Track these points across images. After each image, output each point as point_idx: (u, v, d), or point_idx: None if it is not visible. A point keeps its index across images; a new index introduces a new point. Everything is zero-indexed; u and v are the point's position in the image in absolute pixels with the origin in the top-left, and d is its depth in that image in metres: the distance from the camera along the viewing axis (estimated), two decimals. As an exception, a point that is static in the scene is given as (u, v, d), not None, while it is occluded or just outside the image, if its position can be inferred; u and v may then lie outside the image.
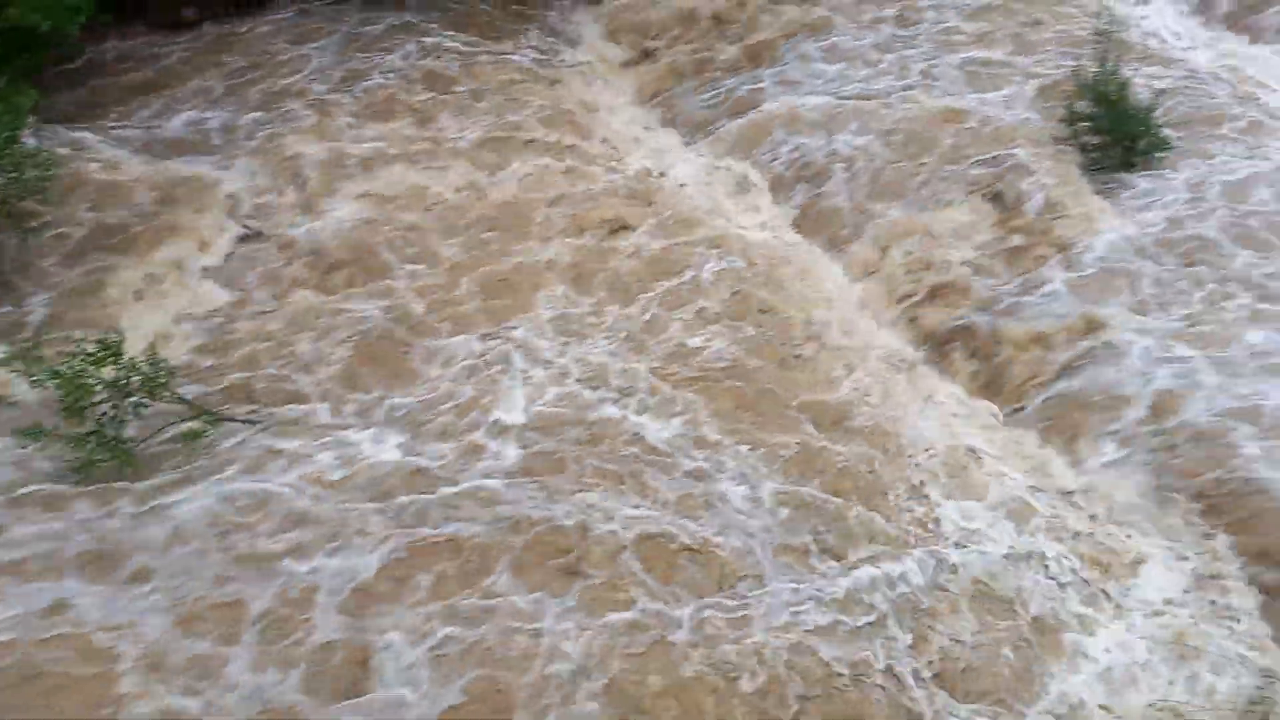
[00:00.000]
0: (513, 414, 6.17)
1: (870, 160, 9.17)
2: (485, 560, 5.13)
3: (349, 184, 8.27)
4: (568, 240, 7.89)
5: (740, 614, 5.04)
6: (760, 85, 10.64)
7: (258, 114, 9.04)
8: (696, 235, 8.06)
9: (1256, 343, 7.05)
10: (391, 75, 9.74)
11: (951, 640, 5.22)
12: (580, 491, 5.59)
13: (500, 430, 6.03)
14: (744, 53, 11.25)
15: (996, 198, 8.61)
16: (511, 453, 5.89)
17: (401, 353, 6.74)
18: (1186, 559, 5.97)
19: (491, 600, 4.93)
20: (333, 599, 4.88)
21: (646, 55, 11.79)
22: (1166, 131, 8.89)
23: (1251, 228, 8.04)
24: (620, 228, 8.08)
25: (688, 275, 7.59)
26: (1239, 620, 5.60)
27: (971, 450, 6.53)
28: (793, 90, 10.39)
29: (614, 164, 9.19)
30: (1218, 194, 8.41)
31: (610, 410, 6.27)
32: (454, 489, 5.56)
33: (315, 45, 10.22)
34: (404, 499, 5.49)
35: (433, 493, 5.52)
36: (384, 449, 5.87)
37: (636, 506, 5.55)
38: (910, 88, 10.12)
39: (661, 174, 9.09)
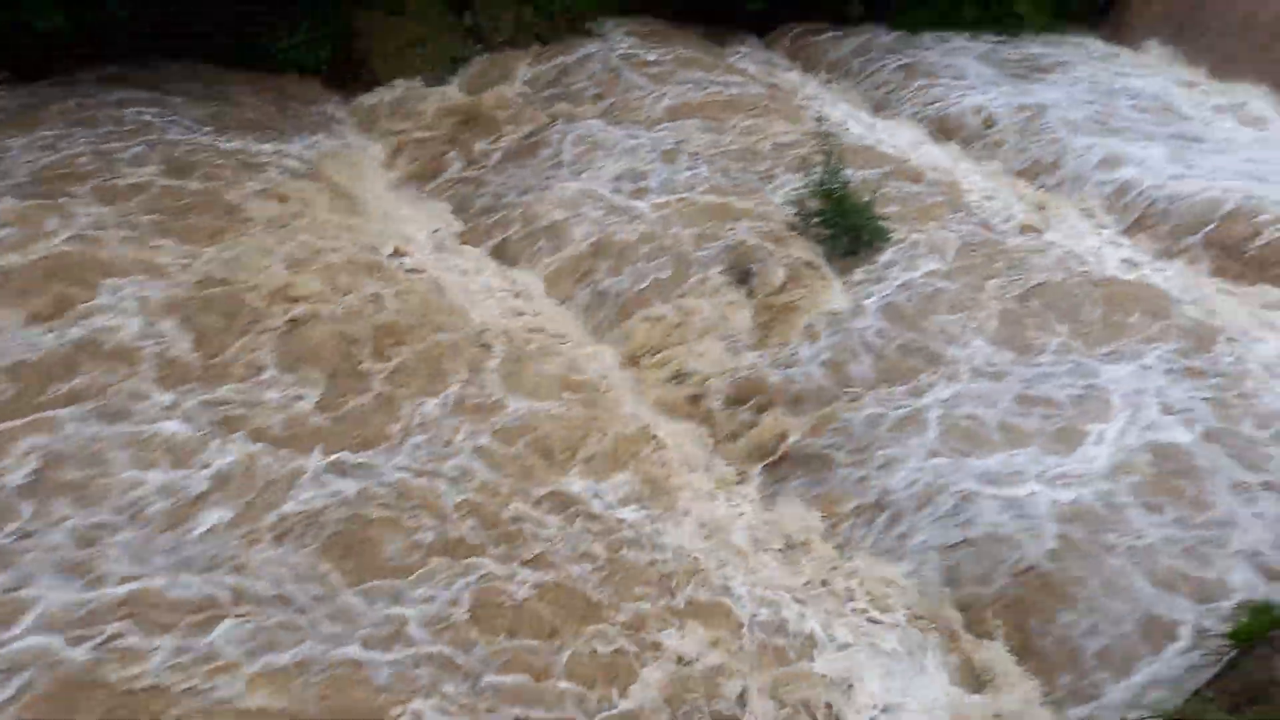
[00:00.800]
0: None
1: (635, 249, 9.80)
2: None
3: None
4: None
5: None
6: (527, 178, 11.13)
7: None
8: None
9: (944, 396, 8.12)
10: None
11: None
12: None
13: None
14: (514, 145, 11.80)
15: (745, 280, 9.47)
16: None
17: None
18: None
19: None
20: None
21: (412, 147, 12.10)
22: (882, 224, 10.08)
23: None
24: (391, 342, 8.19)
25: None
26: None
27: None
28: (561, 181, 10.98)
29: (378, 254, 9.36)
30: (925, 276, 9.63)
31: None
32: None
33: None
34: None
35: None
36: None
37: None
38: (668, 184, 10.95)
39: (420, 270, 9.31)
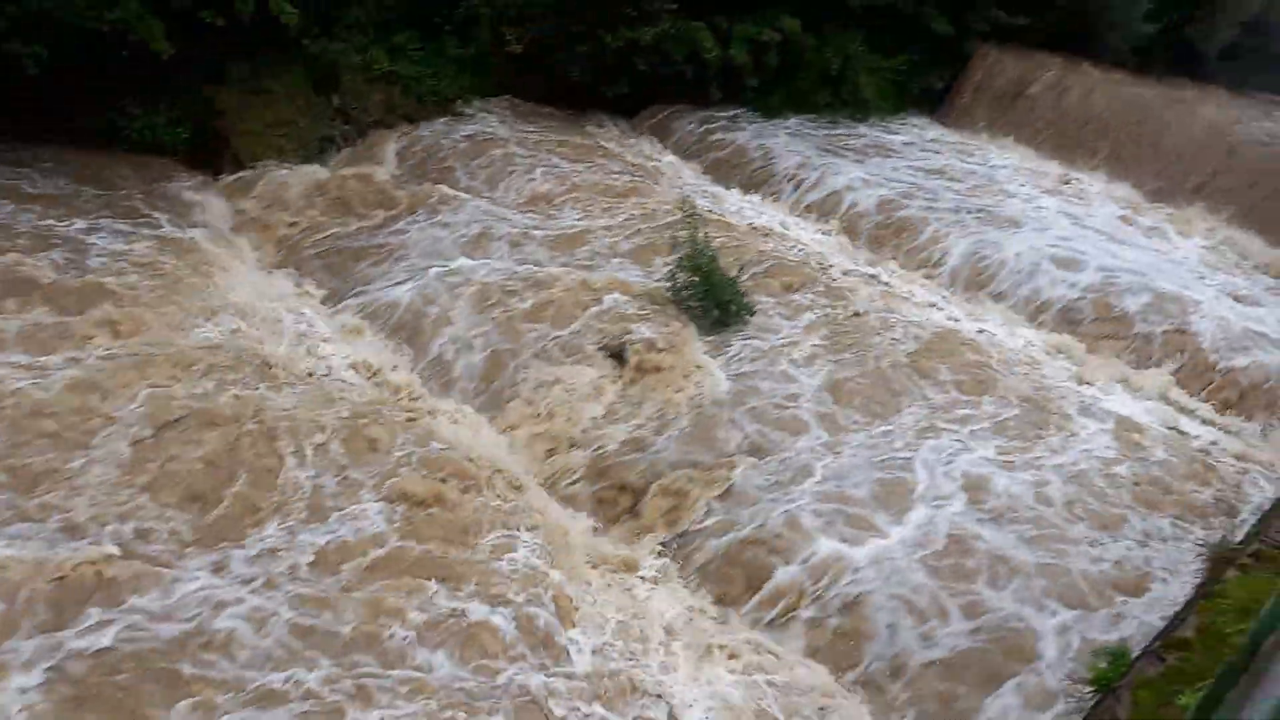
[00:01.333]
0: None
1: (510, 328, 9.81)
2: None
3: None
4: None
5: None
6: (393, 258, 11.06)
7: None
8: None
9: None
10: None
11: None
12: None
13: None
14: (381, 224, 11.70)
15: (619, 355, 9.59)
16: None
17: None
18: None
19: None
20: None
21: (275, 228, 11.86)
22: (749, 296, 10.43)
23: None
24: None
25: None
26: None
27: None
28: (427, 259, 10.93)
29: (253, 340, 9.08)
30: (791, 344, 10.00)
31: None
32: None
33: None
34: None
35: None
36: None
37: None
38: (538, 262, 11.06)
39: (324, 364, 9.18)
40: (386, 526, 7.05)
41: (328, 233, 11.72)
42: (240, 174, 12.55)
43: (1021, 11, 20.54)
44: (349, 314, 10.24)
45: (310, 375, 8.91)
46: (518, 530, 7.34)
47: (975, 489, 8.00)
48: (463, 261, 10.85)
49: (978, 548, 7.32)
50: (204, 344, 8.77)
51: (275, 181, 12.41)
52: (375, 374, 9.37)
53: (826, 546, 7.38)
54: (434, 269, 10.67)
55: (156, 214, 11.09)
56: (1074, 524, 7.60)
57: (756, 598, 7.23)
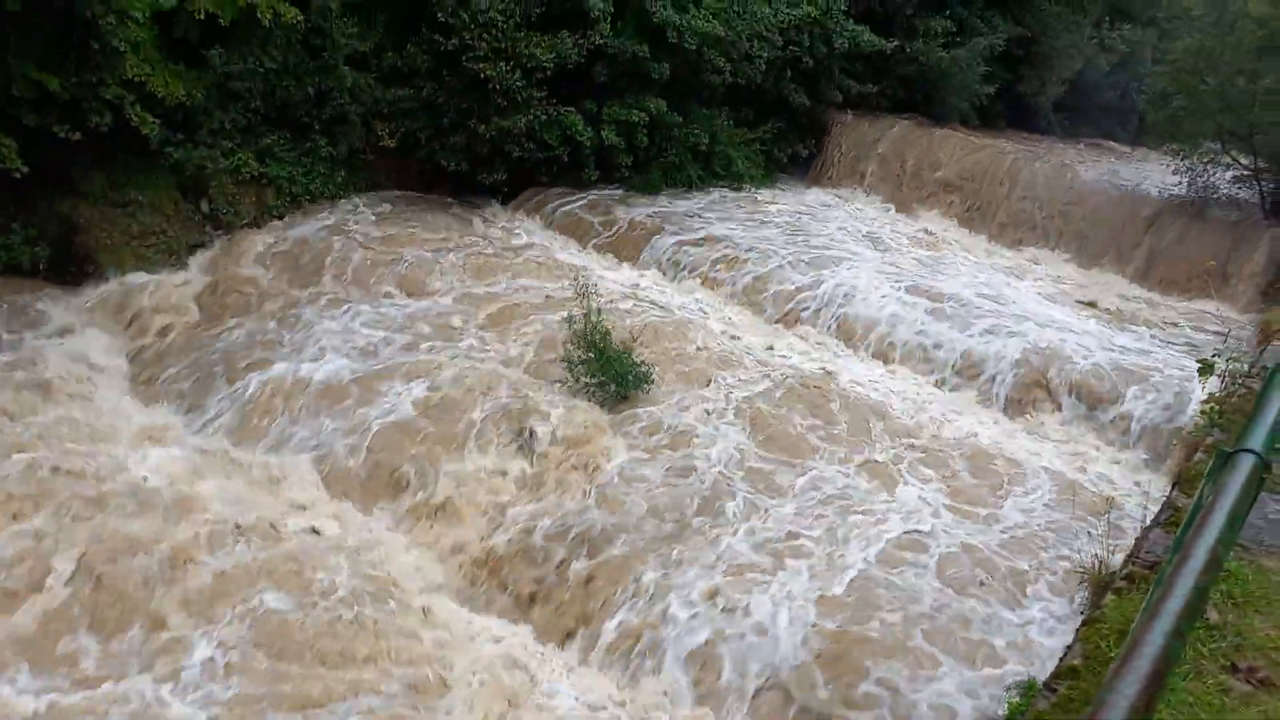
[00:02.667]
0: None
1: (399, 428, 9.68)
2: None
3: None
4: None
5: None
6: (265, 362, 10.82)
7: None
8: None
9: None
10: None
11: None
12: None
13: None
14: (256, 329, 11.44)
15: (519, 438, 9.53)
16: None
17: None
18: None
19: None
20: None
21: (142, 341, 11.49)
22: (644, 368, 10.62)
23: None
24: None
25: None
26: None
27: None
28: (309, 360, 10.72)
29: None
30: (695, 415, 10.22)
31: None
32: None
33: None
34: None
35: None
36: None
37: None
38: (422, 352, 10.99)
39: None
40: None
41: (196, 342, 11.36)
42: (105, 287, 12.09)
43: (869, 80, 22.08)
44: (214, 435, 9.86)
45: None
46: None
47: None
48: (336, 363, 10.65)
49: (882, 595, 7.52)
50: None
51: (142, 293, 12.01)
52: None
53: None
54: (304, 369, 10.44)
55: (15, 336, 10.58)
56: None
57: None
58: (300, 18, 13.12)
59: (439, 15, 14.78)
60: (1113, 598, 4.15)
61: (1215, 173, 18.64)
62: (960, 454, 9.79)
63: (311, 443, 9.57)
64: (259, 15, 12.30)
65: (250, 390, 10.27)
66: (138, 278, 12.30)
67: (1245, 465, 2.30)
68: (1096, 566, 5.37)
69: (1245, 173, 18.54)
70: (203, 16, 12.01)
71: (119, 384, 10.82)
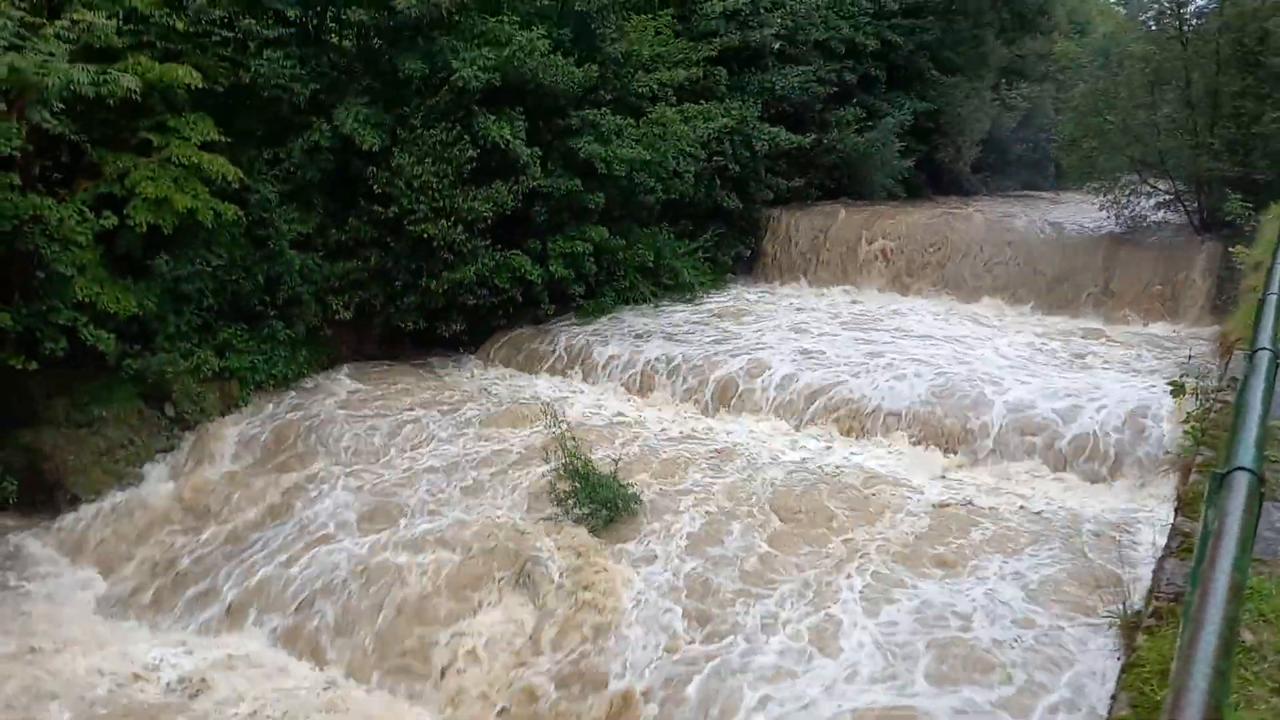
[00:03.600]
0: None
1: (402, 581, 9.46)
2: None
3: None
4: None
5: None
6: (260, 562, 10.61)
7: None
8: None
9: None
10: None
11: None
12: None
13: None
14: (239, 529, 11.24)
15: (523, 584, 9.35)
16: None
17: None
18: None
19: None
20: None
21: (122, 562, 11.23)
22: (631, 489, 10.56)
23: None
24: None
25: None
26: None
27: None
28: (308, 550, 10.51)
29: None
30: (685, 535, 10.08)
31: None
32: None
33: None
34: None
35: None
36: None
37: None
38: (423, 514, 10.85)
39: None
40: None
41: (178, 551, 11.10)
42: (77, 511, 11.87)
43: (795, 175, 23.02)
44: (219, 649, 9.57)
45: None
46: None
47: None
48: (320, 550, 10.47)
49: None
50: None
51: (115, 512, 11.80)
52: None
53: None
54: (311, 553, 10.26)
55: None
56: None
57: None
58: (240, 213, 13.45)
59: (375, 187, 15.22)
60: (1146, 638, 4.09)
61: (1139, 202, 19.40)
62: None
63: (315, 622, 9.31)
64: (200, 218, 12.60)
65: (238, 593, 10.01)
66: (111, 495, 12.10)
67: (1242, 484, 2.32)
68: (1122, 607, 5.30)
69: (1167, 197, 19.31)
70: (145, 229, 12.28)
71: (101, 609, 10.46)
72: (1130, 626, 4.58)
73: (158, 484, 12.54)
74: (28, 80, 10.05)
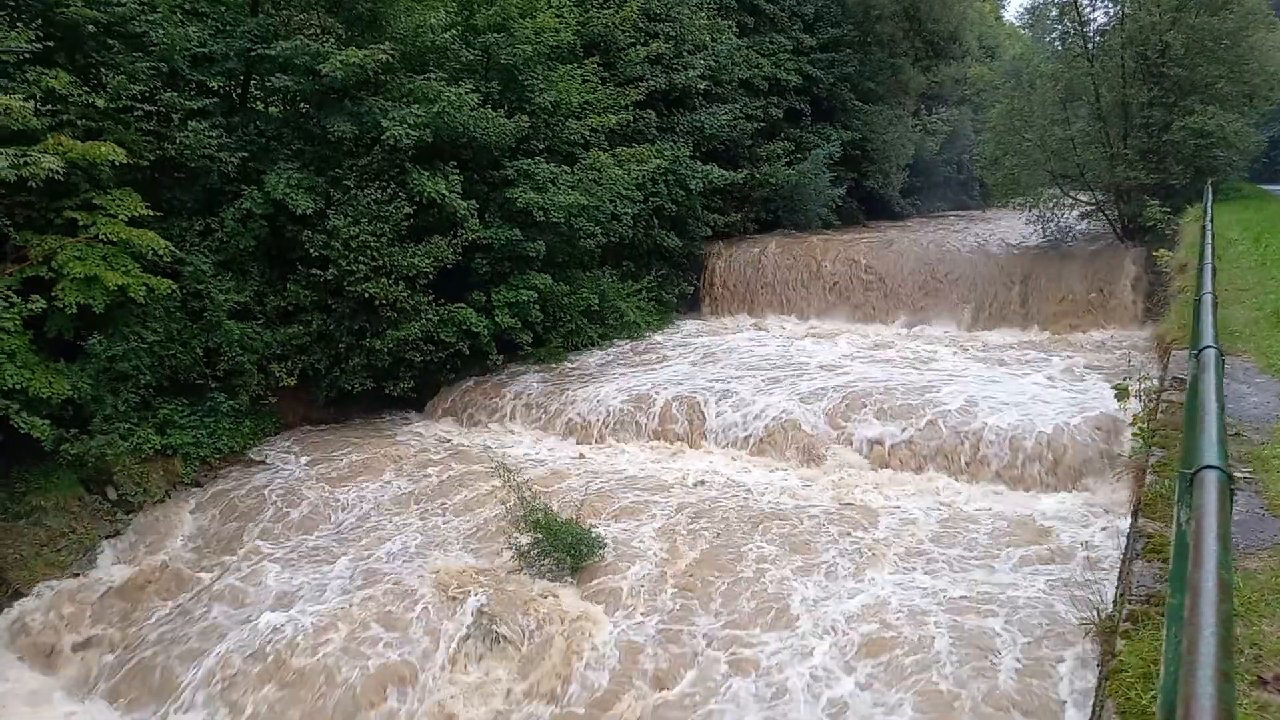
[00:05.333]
0: None
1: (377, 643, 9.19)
2: None
3: None
4: None
5: None
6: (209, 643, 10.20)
7: None
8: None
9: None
10: None
11: None
12: None
13: None
14: (190, 608, 10.80)
15: (496, 641, 9.14)
16: None
17: None
18: None
19: None
20: None
21: (68, 651, 10.72)
22: (593, 530, 10.47)
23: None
24: None
25: None
26: None
27: None
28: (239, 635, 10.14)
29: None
30: (657, 574, 10.02)
31: None
32: None
33: None
34: None
35: None
36: None
37: None
38: (370, 580, 10.57)
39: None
40: None
41: (129, 640, 10.63)
42: (17, 605, 11.30)
43: (731, 210, 23.41)
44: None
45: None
46: None
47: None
48: (274, 616, 10.10)
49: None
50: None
51: (57, 604, 11.24)
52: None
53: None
54: (257, 634, 9.87)
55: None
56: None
57: None
58: (174, 286, 13.15)
59: (312, 250, 15.03)
60: (1125, 642, 4.12)
61: (1063, 214, 20.07)
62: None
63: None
64: (132, 295, 12.28)
65: (198, 675, 9.59)
66: (52, 585, 11.56)
67: (1212, 482, 2.35)
68: (1096, 613, 5.35)
69: (1089, 208, 20.00)
70: (75, 310, 11.92)
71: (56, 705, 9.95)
72: (1107, 631, 4.63)
73: (103, 573, 12.01)
74: (-56, 166, 9.75)
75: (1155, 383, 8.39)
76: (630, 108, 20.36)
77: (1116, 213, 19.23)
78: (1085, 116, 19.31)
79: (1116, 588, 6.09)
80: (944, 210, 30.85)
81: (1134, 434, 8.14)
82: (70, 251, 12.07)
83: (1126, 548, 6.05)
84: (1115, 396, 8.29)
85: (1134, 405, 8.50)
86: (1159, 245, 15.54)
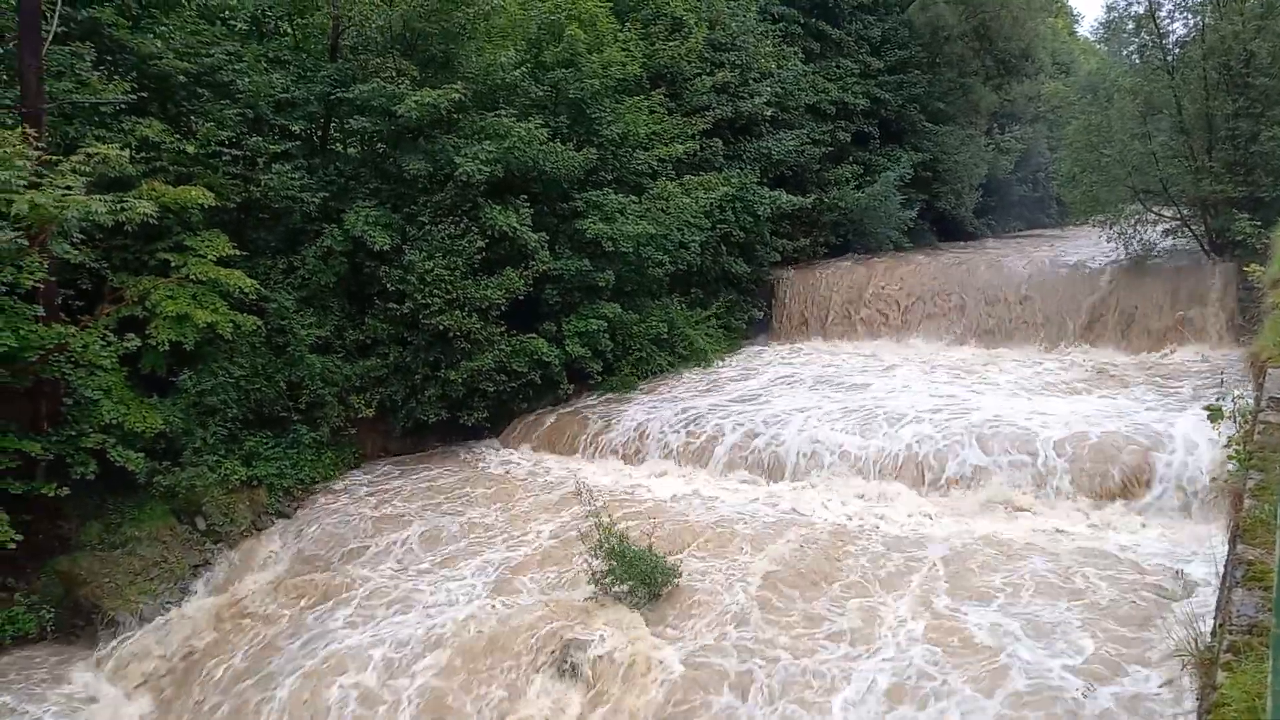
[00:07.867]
0: None
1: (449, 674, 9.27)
2: None
3: None
4: None
5: None
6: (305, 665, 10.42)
7: None
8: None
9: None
10: None
11: None
12: None
13: None
14: (273, 639, 11.07)
15: (570, 671, 9.14)
16: None
17: None
18: None
19: None
20: None
21: (166, 686, 11.03)
22: (668, 561, 10.43)
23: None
24: None
25: None
26: None
27: None
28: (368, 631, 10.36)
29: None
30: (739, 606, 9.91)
31: None
32: None
33: None
34: None
35: None
36: None
37: None
38: (460, 613, 10.70)
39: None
40: None
41: (232, 666, 10.91)
42: (115, 636, 11.73)
43: (800, 235, 23.27)
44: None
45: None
46: None
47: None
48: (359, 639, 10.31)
49: None
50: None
51: (153, 633, 11.63)
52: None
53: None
54: (347, 663, 10.08)
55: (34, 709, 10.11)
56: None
57: None
58: (259, 322, 13.64)
59: (389, 285, 15.44)
60: (1226, 675, 3.92)
61: (1146, 230, 19.41)
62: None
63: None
64: (220, 332, 12.77)
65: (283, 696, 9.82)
66: (149, 614, 11.96)
67: (1314, 506, 2.23)
68: (1194, 643, 5.10)
69: (1173, 223, 19.33)
70: (167, 347, 12.45)
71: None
72: (1206, 663, 4.41)
73: (195, 603, 12.39)
74: (48, 214, 10.30)
75: (1250, 403, 8.00)
76: (697, 137, 20.47)
77: (1203, 228, 18.54)
78: (1167, 130, 18.72)
79: (1215, 617, 5.81)
80: (1020, 230, 30.18)
81: (1230, 456, 7.77)
82: (163, 291, 12.63)
83: (1224, 575, 5.77)
84: (1208, 418, 7.92)
85: (1228, 427, 8.10)
86: (1249, 260, 14.91)
